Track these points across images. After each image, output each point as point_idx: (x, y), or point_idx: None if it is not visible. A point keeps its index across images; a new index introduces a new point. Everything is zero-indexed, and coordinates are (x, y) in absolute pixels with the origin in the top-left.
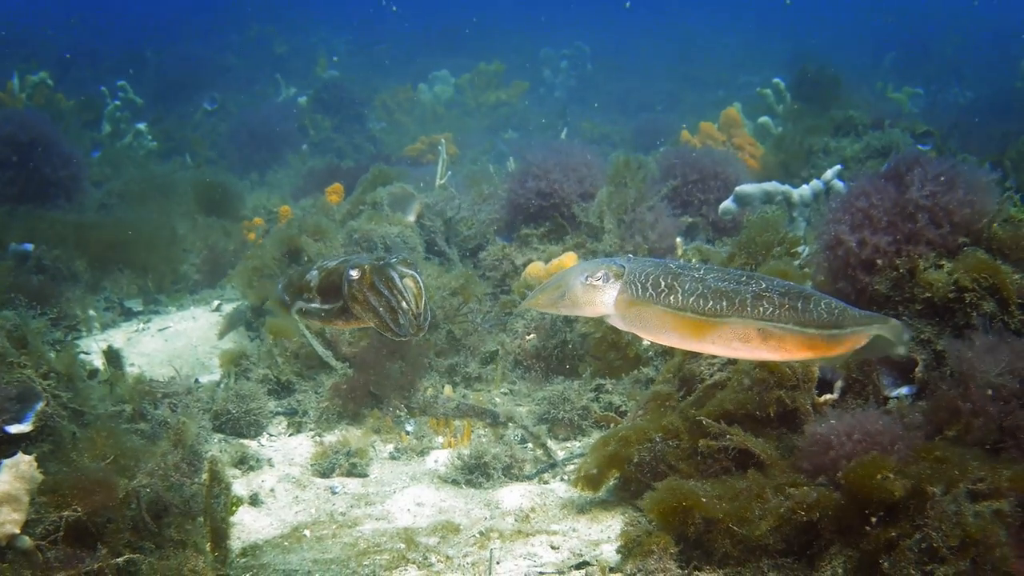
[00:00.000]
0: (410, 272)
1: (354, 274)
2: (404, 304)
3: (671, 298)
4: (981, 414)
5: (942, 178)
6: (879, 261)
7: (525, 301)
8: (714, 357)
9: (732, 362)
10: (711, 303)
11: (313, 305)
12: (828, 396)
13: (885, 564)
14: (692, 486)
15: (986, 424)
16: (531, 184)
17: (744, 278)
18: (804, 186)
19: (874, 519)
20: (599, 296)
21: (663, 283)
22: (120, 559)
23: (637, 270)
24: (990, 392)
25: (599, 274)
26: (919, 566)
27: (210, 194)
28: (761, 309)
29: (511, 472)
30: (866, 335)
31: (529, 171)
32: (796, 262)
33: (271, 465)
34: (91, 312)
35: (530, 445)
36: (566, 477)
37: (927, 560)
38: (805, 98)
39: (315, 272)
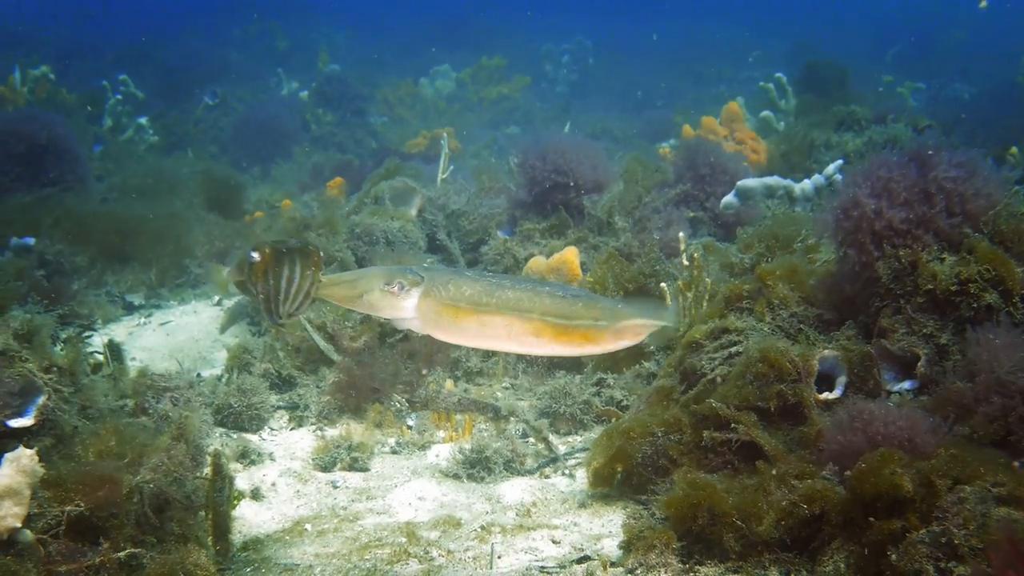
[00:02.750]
0: (296, 268)
1: (255, 255)
2: (282, 296)
3: (466, 293)
4: (986, 405)
5: (963, 164)
6: (886, 244)
7: (321, 290)
8: (712, 353)
9: (733, 356)
10: (503, 298)
11: (231, 282)
12: (828, 394)
13: (893, 556)
14: (707, 479)
15: (993, 418)
16: (551, 159)
17: (538, 285)
18: (806, 181)
19: (879, 512)
20: (395, 302)
21: (464, 286)
22: (122, 553)
23: (437, 278)
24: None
25: (395, 283)
26: (933, 561)
27: (215, 190)
28: (547, 302)
29: (512, 466)
30: (643, 327)
31: (550, 147)
32: (816, 265)
33: (272, 459)
34: (95, 307)
35: (531, 439)
36: (567, 471)
37: (942, 556)
38: (811, 92)
39: (240, 252)
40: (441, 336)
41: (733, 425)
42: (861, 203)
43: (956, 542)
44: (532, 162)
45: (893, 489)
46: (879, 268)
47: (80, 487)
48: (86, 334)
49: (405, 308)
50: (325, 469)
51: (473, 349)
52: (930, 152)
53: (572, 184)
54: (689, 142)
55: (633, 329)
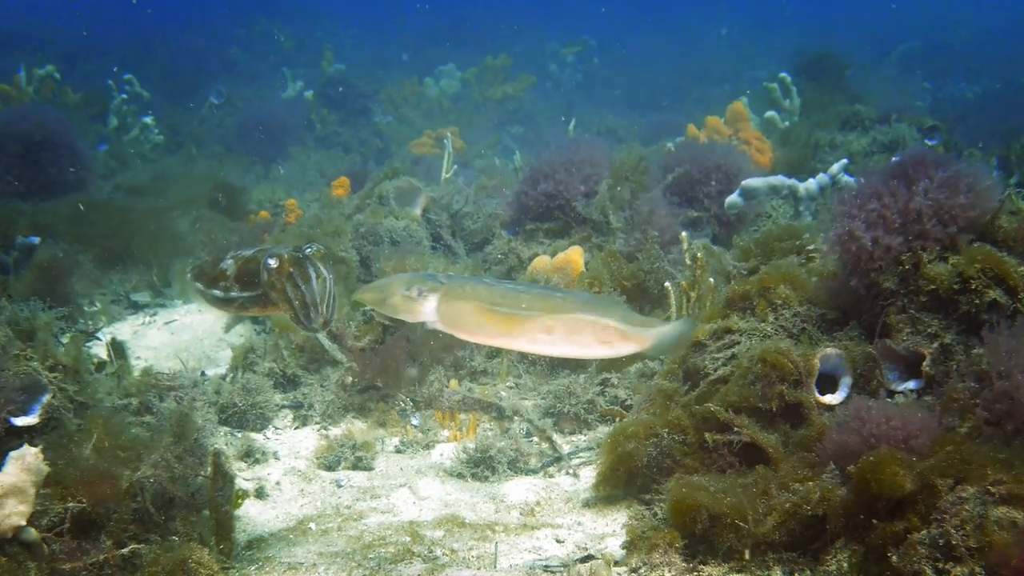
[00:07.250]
0: (323, 272)
1: (272, 263)
2: (316, 300)
3: (484, 296)
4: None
5: (945, 183)
6: (886, 261)
7: (357, 294)
8: (715, 353)
9: (734, 357)
10: (523, 303)
11: (232, 293)
12: (831, 397)
13: (894, 557)
14: (699, 481)
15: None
16: (542, 186)
17: (551, 290)
18: (811, 180)
19: (881, 514)
20: (415, 307)
21: (480, 289)
22: (125, 551)
23: (456, 282)
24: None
25: (414, 289)
26: (932, 562)
27: (222, 192)
28: (565, 305)
29: (516, 466)
30: (655, 334)
31: (540, 171)
32: (814, 264)
33: (277, 458)
34: (98, 305)
35: (536, 439)
36: (572, 471)
37: (940, 557)
38: (817, 88)
39: (230, 261)
40: (461, 334)
41: (736, 428)
42: (856, 236)
43: (953, 543)
44: (522, 188)
45: (893, 489)
46: (884, 282)
47: (80, 483)
48: (89, 340)
49: (424, 312)
50: (329, 468)
51: (477, 349)
52: (911, 167)
53: (563, 203)
54: (681, 145)
55: (642, 333)
